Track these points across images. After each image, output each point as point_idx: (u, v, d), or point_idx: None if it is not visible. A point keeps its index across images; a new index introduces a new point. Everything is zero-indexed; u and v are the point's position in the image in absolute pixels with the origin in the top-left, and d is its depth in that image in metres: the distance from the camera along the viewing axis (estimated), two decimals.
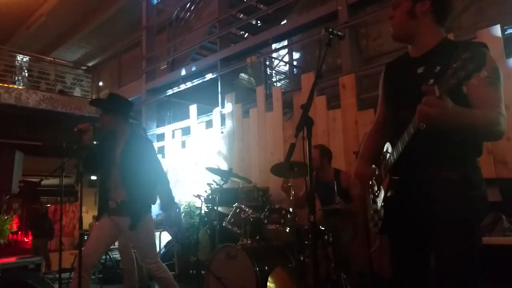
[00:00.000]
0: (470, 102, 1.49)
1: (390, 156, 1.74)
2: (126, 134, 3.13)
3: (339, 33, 1.89)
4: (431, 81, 1.41)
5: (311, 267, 3.48)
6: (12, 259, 6.64)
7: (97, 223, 3.14)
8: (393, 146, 1.71)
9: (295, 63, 9.71)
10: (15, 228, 17.35)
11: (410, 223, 1.69)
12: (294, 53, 9.63)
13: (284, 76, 10.04)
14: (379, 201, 1.83)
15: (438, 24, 1.69)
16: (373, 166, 1.92)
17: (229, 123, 6.05)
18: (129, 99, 9.25)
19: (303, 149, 1.71)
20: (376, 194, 1.88)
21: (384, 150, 1.82)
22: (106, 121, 3.08)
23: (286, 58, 9.90)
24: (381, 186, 1.83)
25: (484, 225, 2.62)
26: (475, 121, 1.44)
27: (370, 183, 1.94)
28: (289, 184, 3.59)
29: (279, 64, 10.13)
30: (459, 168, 1.58)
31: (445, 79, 1.28)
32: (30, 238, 10.10)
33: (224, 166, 5.78)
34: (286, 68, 10.11)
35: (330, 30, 1.85)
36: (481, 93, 1.48)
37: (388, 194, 1.75)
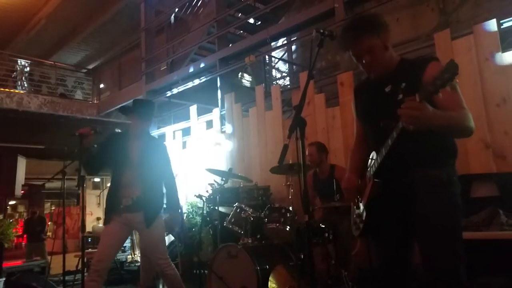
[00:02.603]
0: (440, 106, 1.61)
1: (374, 162, 1.86)
2: (144, 134, 3.25)
3: (331, 33, 1.91)
4: (400, 96, 1.63)
5: (309, 265, 3.51)
6: (18, 263, 6.71)
7: (106, 227, 3.14)
8: (377, 153, 1.84)
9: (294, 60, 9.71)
10: (20, 231, 17.46)
11: (394, 221, 1.82)
12: (293, 51, 9.63)
13: (284, 74, 10.04)
14: (362, 205, 1.91)
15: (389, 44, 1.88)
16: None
17: (229, 122, 6.07)
18: (130, 100, 9.26)
19: (297, 150, 1.74)
20: (359, 199, 1.98)
21: (370, 157, 1.93)
22: (138, 125, 3.20)
23: (286, 57, 9.90)
24: (364, 191, 1.92)
25: (480, 219, 2.64)
26: (453, 121, 1.61)
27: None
28: (288, 183, 3.61)
29: (279, 63, 10.13)
30: (444, 168, 1.76)
31: (425, 88, 1.44)
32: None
33: (224, 166, 5.80)
34: (286, 66, 10.11)
35: (321, 31, 1.88)
36: (448, 98, 1.61)
37: (372, 197, 1.85)
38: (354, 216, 2.01)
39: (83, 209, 2.94)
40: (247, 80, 9.36)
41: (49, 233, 11.97)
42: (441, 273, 1.64)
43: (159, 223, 3.17)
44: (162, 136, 7.65)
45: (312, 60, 1.91)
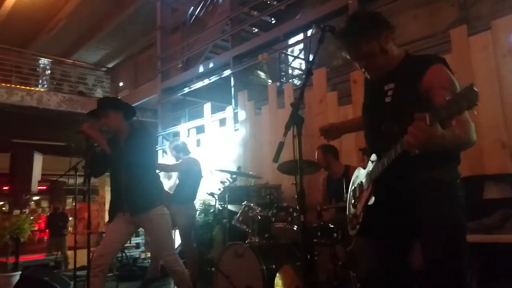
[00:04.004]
0: None
1: (375, 167, 1.81)
2: (126, 132, 3.15)
3: (332, 28, 1.86)
4: (397, 97, 1.59)
5: (312, 266, 3.47)
6: (35, 257, 6.87)
7: (110, 224, 3.15)
8: (379, 158, 1.78)
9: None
10: (42, 227, 17.86)
11: (395, 223, 1.75)
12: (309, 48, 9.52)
13: (299, 72, 9.96)
14: (360, 207, 1.87)
15: (393, 42, 1.81)
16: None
17: (242, 120, 6.05)
18: (146, 99, 9.36)
19: (294, 148, 1.71)
20: (357, 200, 1.94)
21: (371, 159, 1.88)
22: (107, 123, 3.07)
23: (302, 54, 9.81)
24: (363, 193, 1.89)
25: (492, 222, 2.55)
26: (460, 140, 1.54)
27: (352, 188, 2.05)
28: (294, 182, 3.56)
29: (294, 60, 10.06)
30: (446, 171, 1.70)
31: (437, 111, 1.32)
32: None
33: (237, 164, 5.78)
34: (302, 64, 10.02)
35: (322, 26, 1.83)
36: None
37: (371, 201, 1.81)
38: (350, 215, 1.97)
39: (89, 206, 2.96)
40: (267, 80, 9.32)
41: (70, 228, 12.24)
42: (443, 277, 1.57)
43: (160, 219, 3.14)
44: (176, 134, 7.70)
45: (313, 55, 1.88)
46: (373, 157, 1.85)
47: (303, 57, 9.79)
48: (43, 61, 11.95)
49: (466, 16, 6.32)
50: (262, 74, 9.45)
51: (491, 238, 2.53)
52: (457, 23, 5.73)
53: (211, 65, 7.26)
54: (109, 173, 3.26)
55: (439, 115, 1.32)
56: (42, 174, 6.26)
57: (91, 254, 2.90)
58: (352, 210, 1.97)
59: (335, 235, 3.42)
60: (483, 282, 2.48)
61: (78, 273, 4.14)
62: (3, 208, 19.15)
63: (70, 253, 8.01)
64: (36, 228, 19.00)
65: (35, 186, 5.67)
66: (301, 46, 9.32)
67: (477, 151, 3.56)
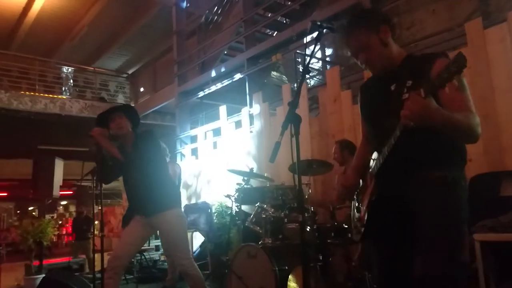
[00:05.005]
0: (447, 106, 1.53)
1: (376, 162, 1.77)
2: (131, 138, 3.15)
3: (330, 25, 1.84)
4: (406, 95, 1.57)
5: (333, 266, 3.43)
6: (59, 260, 7.04)
7: (127, 228, 3.18)
8: (379, 153, 1.74)
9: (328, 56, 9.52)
10: (70, 231, 18.32)
11: (397, 225, 1.71)
12: (326, 48, 9.44)
13: (316, 72, 9.87)
14: (363, 208, 1.82)
15: (394, 40, 1.79)
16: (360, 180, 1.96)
17: (257, 122, 6.04)
18: (165, 103, 9.48)
19: (291, 147, 1.68)
20: (360, 202, 1.89)
21: (372, 158, 1.84)
22: (121, 123, 3.08)
23: (319, 53, 9.72)
24: (366, 193, 1.83)
25: (509, 220, 2.46)
26: (459, 124, 1.50)
27: (356, 193, 1.98)
28: (307, 182, 3.54)
29: (312, 61, 9.97)
30: (450, 171, 1.64)
31: (430, 82, 1.38)
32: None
33: (253, 166, 5.78)
34: (319, 64, 9.93)
35: (318, 23, 1.80)
36: (456, 98, 1.55)
37: (373, 198, 1.75)
38: (355, 220, 1.92)
39: (102, 210, 3.01)
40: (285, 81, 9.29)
41: (96, 232, 12.52)
42: (433, 278, 1.51)
43: (175, 221, 3.14)
44: (193, 137, 7.76)
45: (311, 53, 1.85)
46: (374, 155, 1.81)
47: (320, 56, 9.70)
48: (67, 69, 12.28)
49: (485, 9, 6.13)
50: (279, 75, 9.43)
51: (507, 237, 2.44)
52: (476, 16, 5.57)
53: (225, 68, 7.29)
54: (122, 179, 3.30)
55: (432, 84, 1.38)
56: (68, 179, 6.42)
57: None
58: (357, 214, 1.93)
59: (349, 235, 3.37)
60: (500, 282, 2.39)
61: (98, 275, 4.22)
62: (33, 213, 19.77)
63: (96, 256, 8.18)
64: (64, 232, 19.53)
65: (56, 191, 5.82)
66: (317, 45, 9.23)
67: (496, 146, 3.45)
